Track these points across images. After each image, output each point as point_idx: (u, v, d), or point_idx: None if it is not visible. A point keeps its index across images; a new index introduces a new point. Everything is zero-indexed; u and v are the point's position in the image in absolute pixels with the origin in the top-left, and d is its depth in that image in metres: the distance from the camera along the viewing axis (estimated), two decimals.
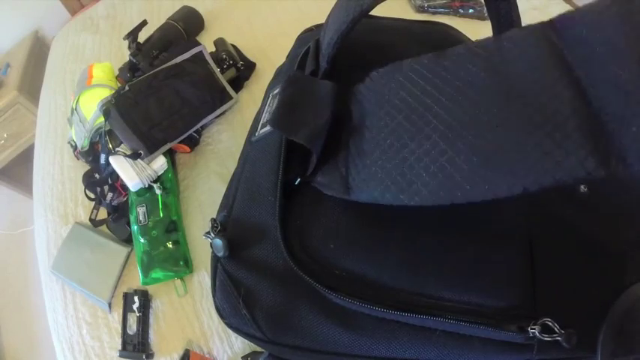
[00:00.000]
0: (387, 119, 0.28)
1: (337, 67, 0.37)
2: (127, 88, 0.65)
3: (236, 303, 0.37)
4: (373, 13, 0.34)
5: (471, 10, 0.86)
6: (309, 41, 0.43)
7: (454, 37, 0.45)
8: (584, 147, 0.21)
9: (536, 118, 0.22)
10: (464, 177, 0.24)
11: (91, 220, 0.71)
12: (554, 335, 0.29)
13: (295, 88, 0.35)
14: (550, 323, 0.29)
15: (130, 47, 0.76)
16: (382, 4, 0.31)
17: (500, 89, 0.24)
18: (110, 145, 0.67)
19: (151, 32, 0.82)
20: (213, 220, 0.41)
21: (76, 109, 0.71)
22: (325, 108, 0.33)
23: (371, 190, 0.29)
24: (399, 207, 0.29)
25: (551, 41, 0.23)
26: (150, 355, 0.58)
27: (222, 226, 0.40)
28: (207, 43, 0.76)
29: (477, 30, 0.57)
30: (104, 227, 0.70)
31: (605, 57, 0.21)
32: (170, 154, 0.71)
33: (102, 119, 0.65)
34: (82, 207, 0.74)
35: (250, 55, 0.83)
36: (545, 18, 0.79)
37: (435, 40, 0.43)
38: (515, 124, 0.23)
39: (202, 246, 0.64)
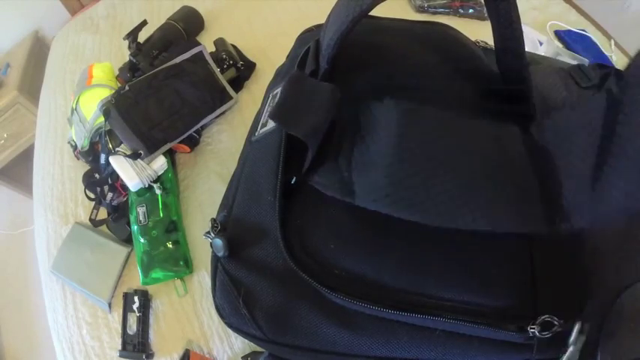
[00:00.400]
0: (406, 150, 0.32)
1: (337, 67, 0.37)
2: (127, 88, 0.65)
3: (236, 303, 0.37)
4: (373, 13, 0.34)
5: (471, 10, 0.87)
6: (309, 41, 0.43)
7: (454, 38, 0.45)
8: (543, 213, 0.31)
9: (517, 189, 0.32)
10: (456, 212, 0.30)
11: (91, 220, 0.71)
12: (555, 328, 0.29)
13: (297, 87, 0.35)
14: (549, 319, 0.29)
15: (130, 47, 0.76)
16: (382, 4, 0.31)
17: (497, 161, 0.32)
18: (110, 145, 0.67)
19: (151, 32, 0.82)
20: (213, 220, 0.41)
21: (76, 109, 0.71)
22: (325, 109, 0.33)
23: (377, 200, 0.31)
24: None
25: (532, 139, 0.34)
26: (150, 355, 0.58)
27: (222, 226, 0.40)
28: (207, 43, 0.76)
29: (477, 30, 0.57)
30: (104, 227, 0.70)
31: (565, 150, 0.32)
32: (170, 154, 0.71)
33: (102, 119, 0.65)
34: (82, 207, 0.74)
35: (250, 55, 0.83)
36: (545, 18, 0.79)
37: (435, 40, 0.43)
38: (501, 190, 0.31)
39: (202, 246, 0.64)
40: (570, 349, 0.29)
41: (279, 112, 0.34)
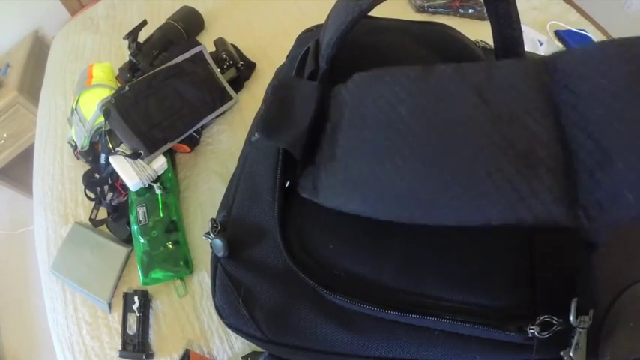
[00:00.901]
0: (364, 129, 0.26)
1: (336, 67, 0.37)
2: (127, 88, 0.65)
3: (236, 303, 0.37)
4: (373, 13, 0.34)
5: (471, 10, 0.86)
6: (308, 41, 0.43)
7: (453, 38, 0.45)
8: (552, 191, 0.21)
9: (511, 154, 0.22)
10: (425, 200, 0.23)
11: (91, 220, 0.71)
12: (554, 327, 0.29)
13: (279, 94, 0.35)
14: (548, 319, 0.29)
15: (130, 47, 0.76)
16: (382, 4, 0.31)
17: (481, 118, 0.23)
18: (110, 145, 0.67)
19: (151, 32, 0.82)
20: (213, 221, 0.41)
21: (76, 109, 0.71)
22: (307, 109, 0.33)
23: (336, 196, 0.28)
24: None
25: (542, 79, 0.23)
26: (150, 355, 0.58)
27: (221, 227, 0.40)
28: (207, 43, 0.76)
29: (477, 30, 0.58)
30: (104, 227, 0.70)
31: (596, 98, 0.21)
32: (170, 154, 0.71)
33: (102, 119, 0.65)
34: (82, 207, 0.74)
35: (250, 55, 0.83)
36: (545, 18, 0.79)
37: (434, 40, 0.43)
38: (490, 157, 0.22)
39: (202, 246, 0.64)
40: (577, 330, 0.28)
41: (262, 125, 0.33)
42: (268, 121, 0.33)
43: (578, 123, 0.21)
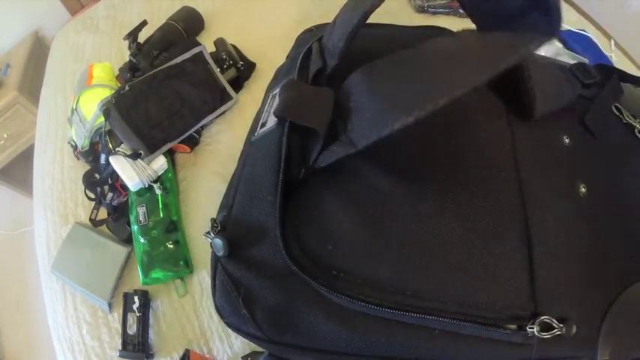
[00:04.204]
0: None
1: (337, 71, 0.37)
2: (127, 88, 0.65)
3: (236, 303, 0.37)
4: (373, 14, 0.34)
5: None
6: (309, 41, 0.43)
7: None
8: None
9: None
10: None
11: (91, 220, 0.71)
12: (554, 331, 0.29)
13: (295, 89, 0.36)
14: (548, 320, 0.29)
15: (130, 47, 0.76)
16: (382, 4, 0.31)
17: None
18: (110, 145, 0.67)
19: (151, 32, 0.82)
20: (213, 220, 0.41)
21: (76, 109, 0.71)
22: (326, 113, 0.33)
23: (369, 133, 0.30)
24: (399, 206, 0.30)
25: None
26: (150, 355, 0.58)
27: (221, 226, 0.40)
28: (207, 43, 0.76)
29: None
30: (104, 227, 0.70)
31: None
32: (170, 154, 0.71)
33: (102, 119, 0.65)
34: (82, 207, 0.74)
35: (250, 55, 0.83)
36: None
37: None
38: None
39: (202, 246, 0.64)
40: None
41: (283, 107, 0.35)
42: (289, 104, 0.35)
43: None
